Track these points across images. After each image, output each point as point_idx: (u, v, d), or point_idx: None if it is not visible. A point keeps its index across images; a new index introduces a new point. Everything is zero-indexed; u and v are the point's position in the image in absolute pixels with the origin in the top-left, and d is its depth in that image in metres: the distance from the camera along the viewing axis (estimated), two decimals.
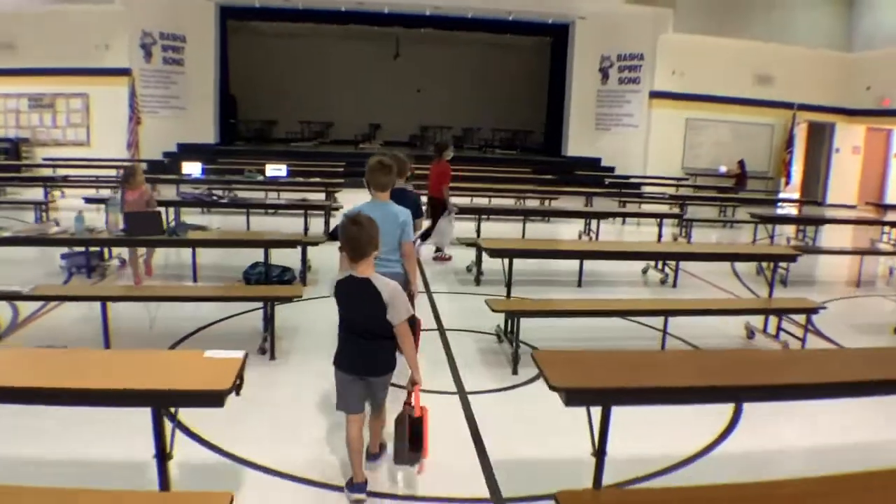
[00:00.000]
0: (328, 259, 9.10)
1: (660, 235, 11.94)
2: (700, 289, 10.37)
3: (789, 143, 23.70)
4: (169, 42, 22.19)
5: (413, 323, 4.41)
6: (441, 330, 7.74)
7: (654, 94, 23.00)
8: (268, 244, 8.16)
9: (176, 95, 22.54)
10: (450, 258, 11.46)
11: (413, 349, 4.31)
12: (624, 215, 15.71)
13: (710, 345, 7.52)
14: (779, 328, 7.67)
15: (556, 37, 26.05)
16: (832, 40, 23.42)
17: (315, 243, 9.47)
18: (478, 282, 9.92)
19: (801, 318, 7.71)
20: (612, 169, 23.67)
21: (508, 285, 7.13)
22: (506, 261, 7.28)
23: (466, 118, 29.24)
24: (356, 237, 4.11)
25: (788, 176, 23.78)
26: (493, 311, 6.59)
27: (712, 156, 23.66)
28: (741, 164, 22.80)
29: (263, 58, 28.21)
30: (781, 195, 23.30)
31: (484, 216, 13.38)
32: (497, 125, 29.59)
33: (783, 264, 9.26)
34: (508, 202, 16.46)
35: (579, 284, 10.22)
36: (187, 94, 22.71)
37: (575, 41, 24.26)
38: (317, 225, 12.48)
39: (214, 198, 11.40)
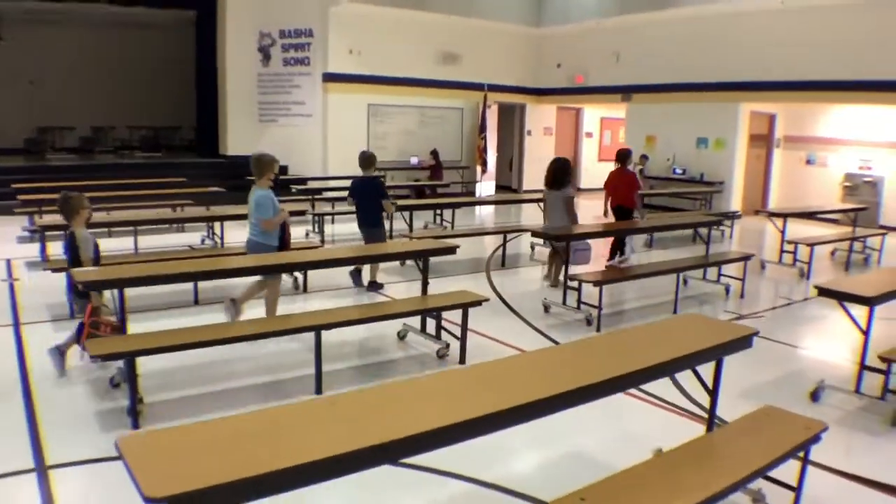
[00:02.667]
0: None
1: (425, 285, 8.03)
2: None
3: (482, 127, 20.96)
4: None
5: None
6: None
7: (329, 77, 19.03)
8: None
9: None
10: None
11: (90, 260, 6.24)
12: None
13: None
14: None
15: (202, 9, 20.90)
16: (521, 15, 21.45)
17: None
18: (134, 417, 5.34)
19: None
20: (284, 168, 19.41)
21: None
22: None
23: (96, 115, 23.34)
24: (64, 202, 6.30)
25: (484, 163, 21.04)
26: None
27: (400, 146, 20.36)
28: (434, 153, 19.70)
29: None
30: (480, 184, 20.97)
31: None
32: (136, 122, 24.01)
33: None
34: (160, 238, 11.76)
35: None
36: None
37: (225, 14, 19.48)
38: None
39: None
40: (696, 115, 18.71)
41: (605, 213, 11.48)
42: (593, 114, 25.11)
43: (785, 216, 11.83)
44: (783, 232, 11.67)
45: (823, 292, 5.84)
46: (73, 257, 6.24)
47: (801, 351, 7.73)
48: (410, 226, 12.42)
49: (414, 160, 20.14)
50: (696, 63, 18.49)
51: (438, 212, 14.99)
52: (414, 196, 18.43)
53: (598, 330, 7.89)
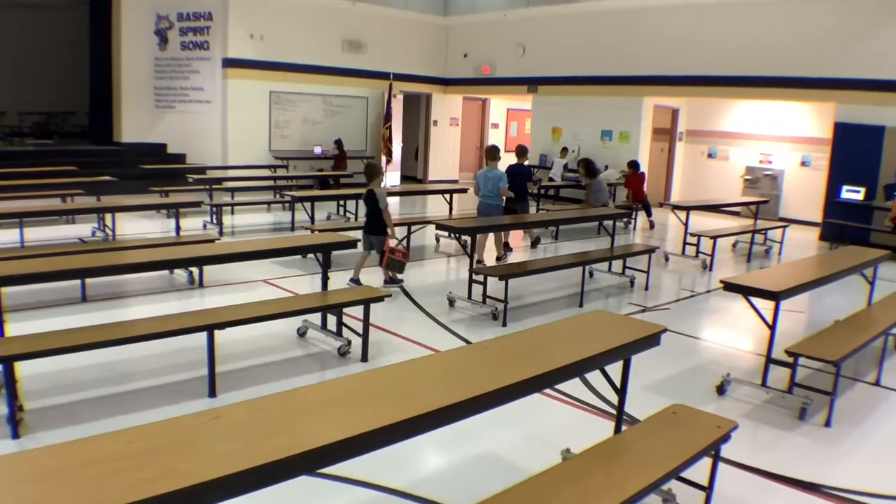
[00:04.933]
0: None
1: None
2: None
3: (387, 116, 20.65)
4: None
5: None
6: None
7: (229, 63, 18.39)
8: None
9: None
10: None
11: (390, 219, 8.91)
12: None
13: None
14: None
15: None
16: (428, 4, 21.26)
17: None
18: None
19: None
20: (182, 157, 18.80)
21: None
22: None
23: None
24: (369, 167, 9.26)
25: (389, 153, 20.73)
26: None
27: (304, 135, 19.88)
28: (338, 143, 19.33)
29: None
30: (385, 175, 20.52)
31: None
32: (26, 107, 22.77)
33: None
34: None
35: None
36: None
37: None
38: None
39: None
40: (601, 108, 18.89)
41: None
42: (500, 105, 25.13)
43: (688, 209, 11.95)
44: (686, 224, 11.79)
45: (730, 287, 5.79)
46: (372, 208, 8.90)
47: (706, 343, 7.75)
48: (312, 217, 12.06)
49: (318, 150, 19.70)
50: (600, 57, 18.65)
51: (342, 202, 14.67)
52: (317, 186, 18.05)
53: (504, 325, 7.74)
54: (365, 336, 6.42)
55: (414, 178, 23.20)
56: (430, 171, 22.94)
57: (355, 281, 8.88)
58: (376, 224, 8.92)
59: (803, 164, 17.04)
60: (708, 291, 10.07)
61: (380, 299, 6.55)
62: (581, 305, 8.74)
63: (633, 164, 15.84)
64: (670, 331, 7.38)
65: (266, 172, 17.77)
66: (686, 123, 19.47)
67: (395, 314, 7.89)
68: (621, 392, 4.24)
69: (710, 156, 18.95)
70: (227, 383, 5.64)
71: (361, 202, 9.23)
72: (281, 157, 19.03)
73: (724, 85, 16.44)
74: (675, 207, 12.25)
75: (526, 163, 11.92)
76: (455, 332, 7.46)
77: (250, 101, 18.79)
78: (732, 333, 8.27)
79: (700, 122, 19.16)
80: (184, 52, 18.75)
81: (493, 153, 10.85)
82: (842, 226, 13.96)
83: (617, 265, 10.41)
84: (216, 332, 5.52)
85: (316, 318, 6.97)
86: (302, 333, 7.01)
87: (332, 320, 6.84)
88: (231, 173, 17.10)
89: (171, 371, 5.95)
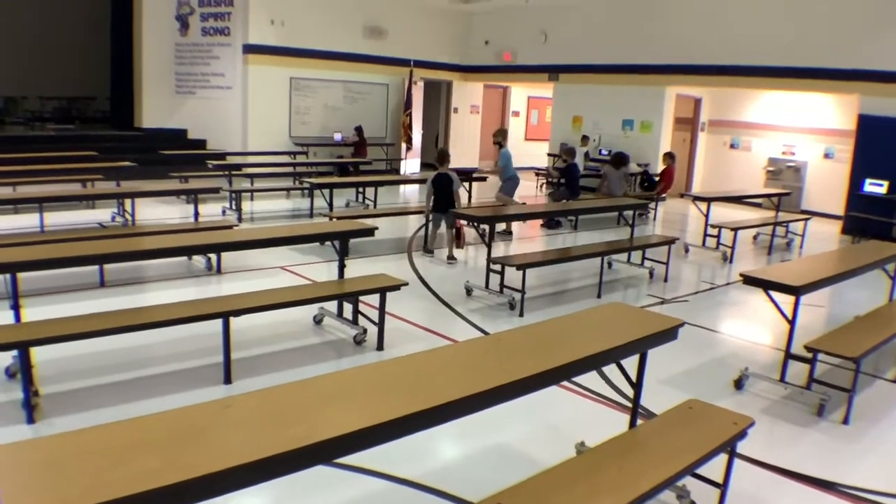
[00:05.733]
0: None
1: None
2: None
3: (407, 103, 20.60)
4: None
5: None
6: None
7: (250, 49, 18.33)
8: None
9: None
10: None
11: (460, 200, 10.37)
12: None
13: None
14: None
15: None
16: None
17: None
18: None
19: None
20: (202, 143, 18.84)
21: None
22: None
23: (7, 85, 22.04)
24: (442, 152, 10.70)
25: (410, 140, 20.70)
26: None
27: (324, 122, 19.85)
28: (359, 130, 19.28)
29: None
30: (405, 162, 20.82)
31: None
32: (48, 92, 22.84)
33: None
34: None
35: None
36: None
37: None
38: None
39: None
40: (623, 97, 18.78)
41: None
42: (521, 93, 25.04)
43: (709, 200, 11.85)
44: (707, 215, 11.69)
45: (749, 280, 5.72)
46: (447, 192, 10.14)
47: (724, 337, 7.67)
48: (330, 204, 12.05)
49: (338, 136, 19.68)
50: (623, 45, 18.54)
51: (361, 190, 14.65)
52: (337, 173, 18.04)
53: (521, 315, 7.71)
54: (381, 324, 6.42)
55: (433, 166, 23.06)
56: (451, 158, 22.83)
57: (451, 258, 10.26)
58: (449, 203, 10.04)
59: (826, 156, 16.87)
60: (727, 284, 9.99)
61: (396, 288, 6.53)
62: (599, 296, 8.70)
63: (671, 156, 15.28)
64: (688, 323, 7.29)
65: (285, 159, 17.80)
66: (708, 113, 19.33)
67: (412, 303, 7.87)
68: (637, 386, 4.22)
69: (732, 146, 18.81)
70: (242, 370, 5.65)
71: (430, 185, 10.32)
72: (301, 144, 19.02)
73: (747, 75, 16.30)
74: (696, 198, 12.15)
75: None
76: (472, 321, 7.44)
77: (271, 88, 18.74)
78: (751, 327, 8.20)
79: (723, 112, 19.01)
80: (205, 38, 18.73)
81: (506, 135, 13.22)
82: (864, 219, 13.82)
83: (636, 256, 10.35)
84: (232, 318, 5.53)
85: (332, 305, 6.97)
86: (318, 321, 7.01)
87: (348, 308, 6.83)
88: (251, 159, 17.17)
89: (187, 357, 5.97)
